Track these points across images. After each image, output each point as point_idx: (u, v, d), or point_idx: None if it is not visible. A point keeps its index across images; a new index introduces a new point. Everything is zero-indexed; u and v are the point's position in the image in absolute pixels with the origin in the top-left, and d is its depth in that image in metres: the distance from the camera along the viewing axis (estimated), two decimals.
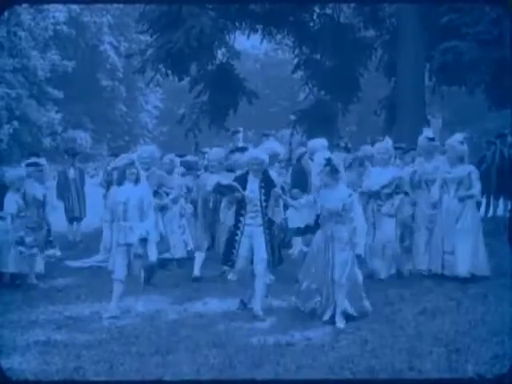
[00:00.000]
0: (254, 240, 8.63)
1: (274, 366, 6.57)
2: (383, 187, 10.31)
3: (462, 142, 10.33)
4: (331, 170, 8.26)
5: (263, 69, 48.06)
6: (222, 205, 9.47)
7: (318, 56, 19.65)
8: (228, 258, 8.72)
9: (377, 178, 10.34)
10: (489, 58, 14.51)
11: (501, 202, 15.69)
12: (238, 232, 8.69)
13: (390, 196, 10.36)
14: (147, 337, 7.79)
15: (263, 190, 8.65)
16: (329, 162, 8.29)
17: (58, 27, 30.51)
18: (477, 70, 14.88)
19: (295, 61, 20.26)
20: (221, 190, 9.20)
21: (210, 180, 10.43)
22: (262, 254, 8.59)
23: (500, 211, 15.71)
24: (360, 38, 19.51)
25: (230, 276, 9.99)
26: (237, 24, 18.15)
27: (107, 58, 37.59)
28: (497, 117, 20.90)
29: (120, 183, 8.89)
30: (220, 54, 18.64)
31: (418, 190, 10.75)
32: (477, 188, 10.26)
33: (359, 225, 8.35)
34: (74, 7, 33.81)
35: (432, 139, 10.92)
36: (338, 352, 6.89)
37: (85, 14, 35.71)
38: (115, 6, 36.26)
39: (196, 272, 10.63)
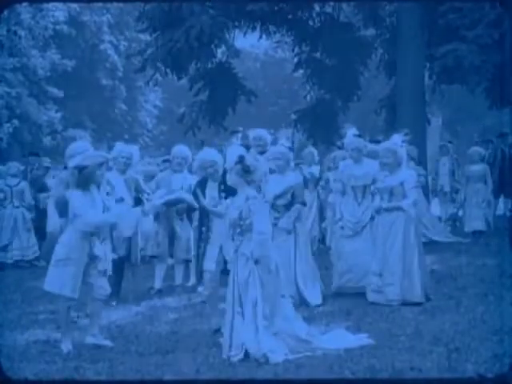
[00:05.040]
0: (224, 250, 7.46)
1: (273, 365, 6.56)
2: (276, 197, 9.03)
3: (401, 145, 9.15)
4: (242, 169, 6.96)
5: (263, 68, 48.01)
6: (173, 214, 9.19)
7: (318, 55, 19.65)
8: (196, 272, 8.00)
9: (272, 186, 8.68)
10: (489, 62, 14.51)
11: (501, 201, 15.71)
12: (201, 244, 7.95)
13: (287, 208, 9.10)
14: (147, 336, 7.79)
15: (224, 195, 7.64)
16: (241, 159, 6.98)
17: (58, 26, 30.40)
18: (477, 72, 14.88)
19: (295, 59, 20.28)
20: (168, 203, 8.90)
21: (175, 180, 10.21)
22: None
23: (500, 210, 15.72)
24: (360, 36, 19.51)
25: (200, 289, 9.13)
26: (236, 23, 18.15)
27: (107, 57, 37.57)
28: (496, 115, 20.88)
29: (86, 187, 7.39)
30: (220, 53, 18.65)
31: (345, 197, 9.75)
32: (409, 199, 9.01)
33: (257, 236, 6.77)
34: (74, 6, 33.78)
35: (359, 136, 9.84)
36: (338, 351, 6.88)
37: (85, 13, 35.68)
38: (115, 4, 36.20)
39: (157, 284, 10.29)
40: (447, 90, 19.30)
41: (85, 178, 7.37)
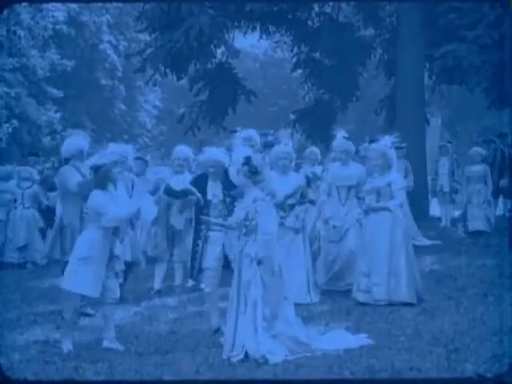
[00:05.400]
0: (227, 247, 7.70)
1: (273, 366, 6.56)
2: (287, 197, 9.18)
3: (391, 147, 9.16)
4: (249, 170, 7.04)
5: (262, 68, 48.02)
6: (174, 209, 8.99)
7: (317, 55, 19.65)
8: (191, 270, 7.94)
9: (278, 186, 8.94)
10: (489, 62, 14.50)
11: (500, 201, 15.69)
12: (199, 242, 7.90)
13: (293, 207, 9.24)
14: (146, 336, 7.79)
15: (227, 193, 7.79)
16: (248, 160, 7.08)
17: (58, 26, 30.40)
18: (477, 73, 14.88)
19: (294, 59, 20.27)
20: (173, 192, 8.57)
21: (175, 180, 9.92)
22: None
23: (499, 211, 15.71)
24: (359, 36, 19.51)
25: (203, 286, 8.93)
26: (235, 23, 18.16)
27: (106, 57, 37.57)
28: (496, 115, 20.88)
29: (104, 186, 7.40)
30: (219, 53, 18.66)
31: (330, 198, 9.91)
32: (397, 200, 9.04)
33: (263, 236, 6.85)
34: (74, 6, 33.75)
35: (348, 138, 9.95)
36: (337, 352, 6.88)
37: (84, 13, 35.68)
38: (114, 4, 36.21)
39: (156, 285, 10.22)
40: (447, 90, 19.31)
41: (102, 177, 7.38)
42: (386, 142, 9.23)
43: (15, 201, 13.28)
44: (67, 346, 7.29)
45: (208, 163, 8.15)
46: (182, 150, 10.53)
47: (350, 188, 9.78)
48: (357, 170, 9.82)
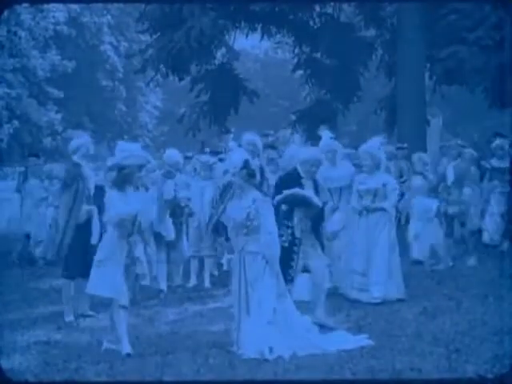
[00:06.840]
0: None
1: (273, 366, 6.57)
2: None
3: (379, 148, 9.40)
4: (247, 173, 7.15)
5: (263, 68, 47.99)
6: (296, 218, 8.12)
7: (318, 55, 19.63)
8: (286, 271, 7.72)
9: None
10: (490, 64, 14.49)
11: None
12: (297, 241, 7.98)
13: None
14: (147, 337, 7.79)
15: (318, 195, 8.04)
16: (246, 164, 7.18)
17: (58, 27, 30.39)
18: (478, 74, 14.87)
19: (295, 60, 20.25)
20: (293, 201, 8.00)
21: (167, 186, 9.97)
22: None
23: None
24: (360, 37, 19.48)
25: None
26: (236, 24, 18.16)
27: (107, 58, 37.58)
28: (496, 116, 20.85)
29: (121, 187, 7.31)
30: (220, 55, 18.66)
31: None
32: (391, 201, 9.27)
33: (267, 236, 7.00)
34: (74, 7, 33.76)
35: (334, 138, 10.00)
36: (337, 352, 6.88)
37: (85, 14, 35.69)
38: (115, 5, 36.22)
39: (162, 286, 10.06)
40: (447, 90, 19.29)
41: (122, 178, 7.29)
42: (374, 143, 9.41)
43: (46, 199, 13.29)
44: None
45: (310, 162, 8.21)
46: (171, 155, 10.39)
47: (341, 189, 9.75)
48: (346, 170, 9.82)
